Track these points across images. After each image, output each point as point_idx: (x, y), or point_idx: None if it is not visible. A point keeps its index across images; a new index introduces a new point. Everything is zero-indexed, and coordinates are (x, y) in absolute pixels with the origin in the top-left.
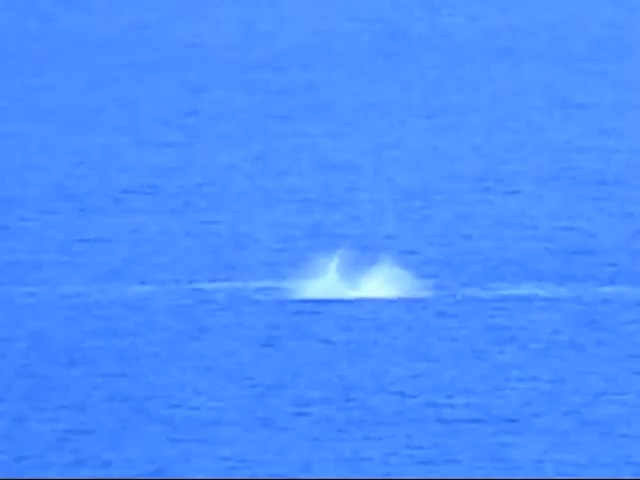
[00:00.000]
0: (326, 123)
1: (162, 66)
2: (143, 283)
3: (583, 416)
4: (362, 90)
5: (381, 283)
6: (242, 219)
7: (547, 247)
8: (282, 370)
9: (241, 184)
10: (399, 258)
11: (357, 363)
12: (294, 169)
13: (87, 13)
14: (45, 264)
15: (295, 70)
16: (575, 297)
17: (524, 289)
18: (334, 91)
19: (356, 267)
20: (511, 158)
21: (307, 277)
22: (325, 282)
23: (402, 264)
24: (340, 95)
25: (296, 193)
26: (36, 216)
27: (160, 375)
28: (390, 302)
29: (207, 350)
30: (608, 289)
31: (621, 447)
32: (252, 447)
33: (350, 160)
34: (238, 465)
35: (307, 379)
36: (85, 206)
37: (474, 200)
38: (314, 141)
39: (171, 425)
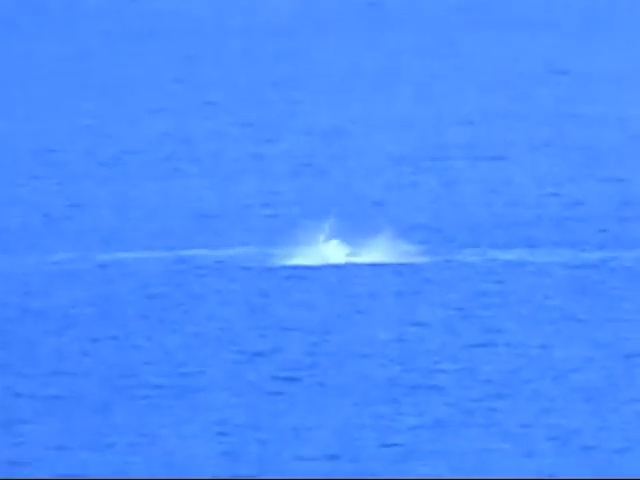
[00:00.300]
0: (315, 90)
1: (152, 34)
2: (132, 250)
3: (571, 382)
4: (351, 57)
5: (371, 249)
6: (231, 185)
7: (537, 213)
8: (272, 336)
9: (231, 150)
10: (388, 224)
11: (346, 329)
12: (284, 136)
13: None
14: (33, 231)
15: (284, 38)
16: (565, 262)
17: (513, 254)
18: (324, 58)
19: (346, 233)
20: (500, 125)
21: (297, 244)
22: (315, 248)
23: (391, 230)
24: (330, 62)
25: (286, 159)
26: (24, 182)
27: (150, 341)
28: (380, 267)
29: (196, 316)
30: (597, 254)
31: (609, 412)
32: (241, 412)
33: (339, 126)
34: (227, 430)
35: (296, 345)
36: (74, 172)
37: (463, 167)
38: (303, 108)
39: (161, 391)
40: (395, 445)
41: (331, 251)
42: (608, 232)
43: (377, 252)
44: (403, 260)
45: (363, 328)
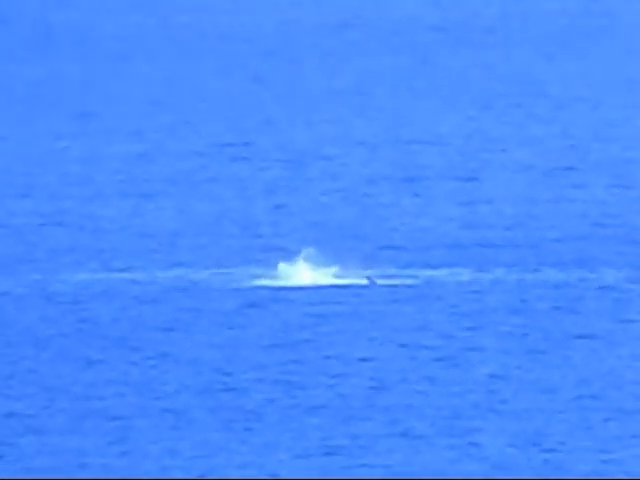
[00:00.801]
0: (292, 110)
1: (128, 56)
2: (107, 270)
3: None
4: (326, 78)
5: (346, 270)
6: (205, 205)
7: (512, 234)
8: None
9: (206, 170)
10: (363, 245)
11: (322, 348)
12: (259, 156)
13: None
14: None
15: (261, 58)
16: (544, 281)
17: (491, 274)
18: (300, 79)
19: (322, 255)
20: (476, 146)
21: (272, 264)
22: (290, 269)
23: (366, 251)
24: (305, 83)
25: (260, 179)
26: None
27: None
28: (355, 288)
29: (173, 337)
30: (576, 273)
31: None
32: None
33: (314, 147)
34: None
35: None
36: (49, 192)
37: (438, 187)
38: (280, 128)
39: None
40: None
41: (306, 272)
42: (584, 252)
43: (351, 273)
44: (379, 280)
45: (339, 348)
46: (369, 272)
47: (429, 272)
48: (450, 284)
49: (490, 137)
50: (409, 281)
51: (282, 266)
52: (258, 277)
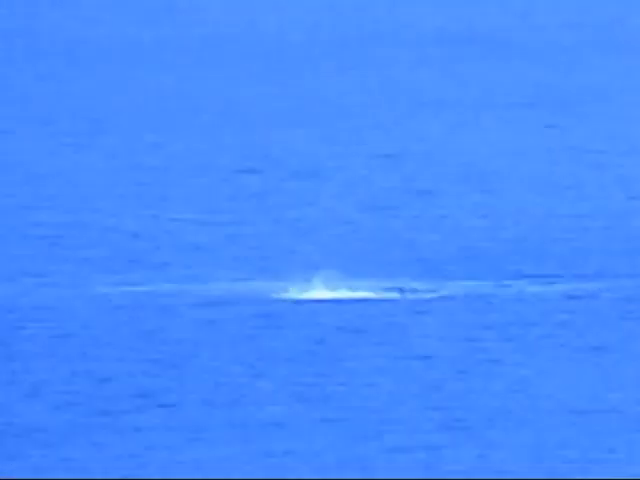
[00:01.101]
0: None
1: (108, 60)
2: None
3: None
4: (298, 93)
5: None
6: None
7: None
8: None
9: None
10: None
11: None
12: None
13: None
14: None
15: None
16: (506, 295)
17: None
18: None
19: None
20: (432, 159)
21: (284, 278)
22: (306, 282)
23: (375, 263)
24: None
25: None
26: None
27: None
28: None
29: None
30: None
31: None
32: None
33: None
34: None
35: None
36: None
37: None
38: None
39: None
40: None
41: (325, 285)
42: (604, 263)
43: (370, 285)
44: (398, 294)
45: (358, 361)
46: (399, 284)
47: (450, 284)
48: (471, 296)
49: (510, 149)
50: (428, 295)
51: (301, 279)
52: (277, 290)
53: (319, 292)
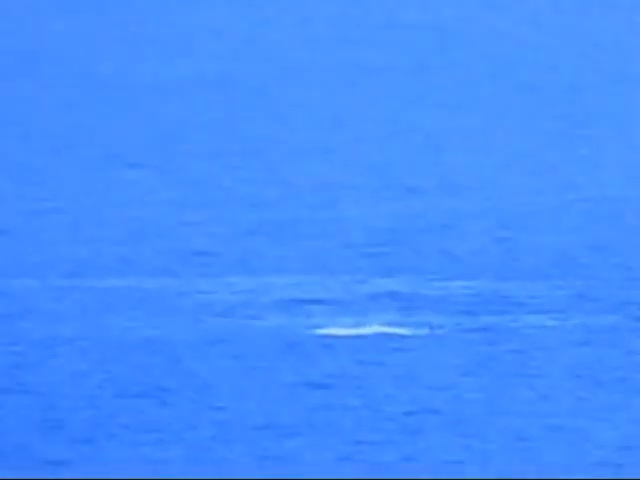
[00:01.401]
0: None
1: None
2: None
3: None
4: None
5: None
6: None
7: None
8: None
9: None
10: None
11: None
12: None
13: None
14: None
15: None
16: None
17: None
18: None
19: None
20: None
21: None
22: (331, 316)
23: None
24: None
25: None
26: None
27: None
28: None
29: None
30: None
31: None
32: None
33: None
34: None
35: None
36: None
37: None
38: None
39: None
40: None
41: (348, 319)
42: (629, 297)
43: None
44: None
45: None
46: (431, 320)
47: (484, 318)
48: (499, 325)
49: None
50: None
51: (324, 313)
52: (307, 326)
53: (343, 326)
